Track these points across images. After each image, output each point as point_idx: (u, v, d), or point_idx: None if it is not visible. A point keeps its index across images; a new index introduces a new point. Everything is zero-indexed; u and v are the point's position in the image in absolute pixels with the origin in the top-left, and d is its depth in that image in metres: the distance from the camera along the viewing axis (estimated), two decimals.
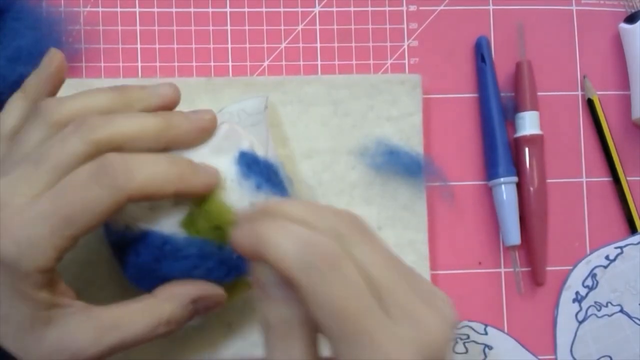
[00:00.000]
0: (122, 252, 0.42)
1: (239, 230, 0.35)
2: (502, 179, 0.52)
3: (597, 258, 0.54)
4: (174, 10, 0.52)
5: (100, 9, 0.51)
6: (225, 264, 0.41)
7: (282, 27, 0.53)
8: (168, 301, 0.41)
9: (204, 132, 0.41)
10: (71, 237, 0.37)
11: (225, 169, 0.41)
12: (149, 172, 0.38)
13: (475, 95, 0.54)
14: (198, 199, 0.40)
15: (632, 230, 0.54)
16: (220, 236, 0.40)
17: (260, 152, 0.43)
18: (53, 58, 0.44)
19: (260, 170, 0.42)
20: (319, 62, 0.53)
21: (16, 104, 0.43)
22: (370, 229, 0.36)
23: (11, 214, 0.37)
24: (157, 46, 0.52)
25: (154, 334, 0.40)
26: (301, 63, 0.53)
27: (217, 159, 0.41)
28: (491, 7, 0.55)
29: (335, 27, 0.53)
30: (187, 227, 0.40)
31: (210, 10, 0.52)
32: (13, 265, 0.36)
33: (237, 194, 0.41)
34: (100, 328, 0.39)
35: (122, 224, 0.41)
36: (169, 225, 0.40)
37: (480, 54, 0.54)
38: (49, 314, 0.38)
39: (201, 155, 0.41)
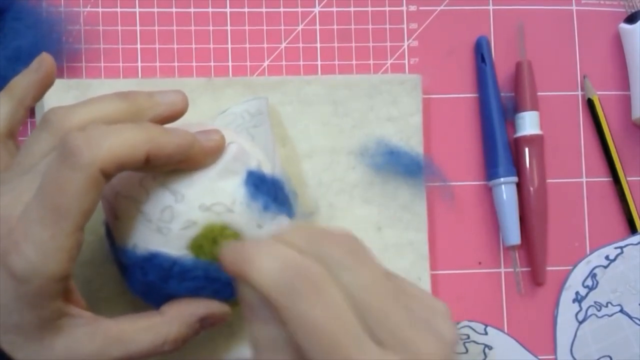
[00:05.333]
0: (128, 269, 0.42)
1: (227, 249, 0.35)
2: (502, 179, 0.52)
3: (597, 258, 0.54)
4: (174, 10, 0.52)
5: (100, 9, 0.51)
6: (231, 285, 0.41)
7: (282, 27, 0.53)
8: (175, 320, 0.40)
9: (213, 153, 0.40)
10: (72, 233, 0.36)
11: (233, 191, 0.40)
12: (114, 140, 0.36)
13: (475, 95, 0.54)
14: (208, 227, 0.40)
15: (632, 230, 0.54)
16: None
17: (266, 168, 0.43)
18: (43, 62, 0.44)
19: (268, 190, 0.42)
20: (319, 62, 0.53)
21: (3, 101, 0.43)
22: (365, 252, 0.35)
23: (14, 226, 0.36)
24: (157, 46, 0.52)
25: (159, 351, 0.40)
26: (301, 63, 0.53)
27: (226, 181, 0.40)
28: (491, 7, 0.55)
29: (335, 27, 0.53)
30: (195, 250, 0.40)
31: (210, 10, 0.52)
32: (28, 279, 0.36)
33: (245, 217, 0.40)
34: (107, 341, 0.39)
35: (130, 243, 0.41)
36: (177, 247, 0.40)
37: (480, 54, 0.54)
38: (57, 324, 0.38)
39: (209, 177, 0.40)
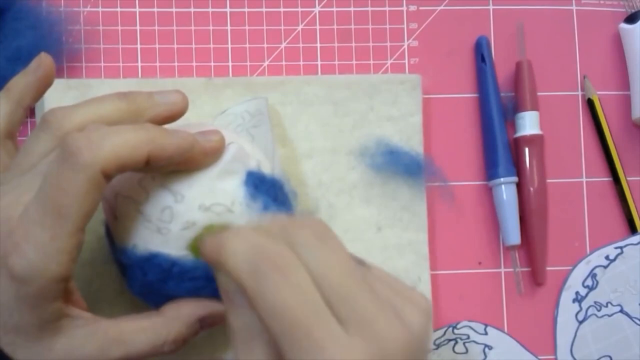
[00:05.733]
0: (128, 270, 0.42)
1: (205, 239, 0.36)
2: (502, 179, 0.52)
3: (597, 258, 0.54)
4: (174, 10, 0.52)
5: (100, 9, 0.51)
6: None
7: (282, 27, 0.53)
8: (175, 321, 0.41)
9: (213, 154, 0.40)
10: (73, 234, 0.36)
11: (233, 191, 0.41)
12: (115, 140, 0.36)
13: (475, 95, 0.54)
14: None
15: (632, 230, 0.54)
16: None
17: (266, 168, 0.43)
18: (42, 62, 0.44)
19: (267, 190, 0.42)
20: (319, 62, 0.53)
21: (1, 102, 0.43)
22: (331, 236, 0.35)
23: (14, 227, 0.36)
24: (157, 46, 0.52)
25: (159, 352, 0.40)
26: (301, 63, 0.53)
27: (225, 181, 0.41)
28: (491, 7, 0.55)
29: (335, 27, 0.53)
30: (195, 250, 0.40)
31: (210, 10, 0.52)
32: (28, 280, 0.36)
33: (244, 217, 0.41)
34: (107, 341, 0.39)
35: (130, 244, 0.41)
36: (177, 247, 0.40)
37: (480, 54, 0.54)
38: (58, 324, 0.38)
39: (209, 178, 0.40)
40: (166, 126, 0.40)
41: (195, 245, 0.40)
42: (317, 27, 0.53)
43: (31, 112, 0.50)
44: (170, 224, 0.40)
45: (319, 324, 0.32)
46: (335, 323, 0.33)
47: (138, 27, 0.52)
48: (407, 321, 0.34)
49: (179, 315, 0.41)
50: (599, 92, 0.55)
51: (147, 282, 0.41)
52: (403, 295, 0.36)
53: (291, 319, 0.32)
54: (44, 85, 0.44)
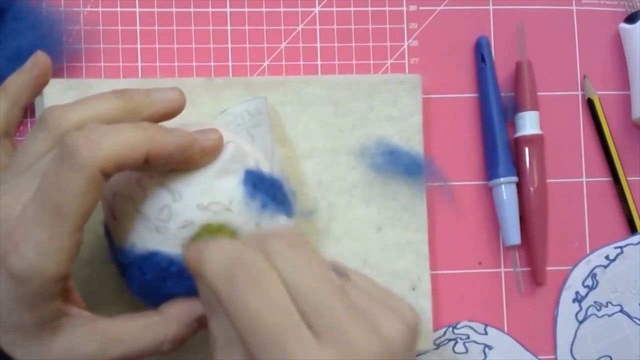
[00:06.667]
0: (127, 268, 0.42)
1: (189, 248, 0.37)
2: (502, 179, 0.52)
3: (597, 258, 0.54)
4: (174, 10, 0.52)
5: (100, 9, 0.51)
6: None
7: (282, 27, 0.53)
8: (174, 320, 0.41)
9: (211, 153, 0.40)
10: (71, 233, 0.36)
11: (231, 190, 0.41)
12: (114, 139, 0.36)
13: (475, 95, 0.54)
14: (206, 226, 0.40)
15: (632, 230, 0.54)
16: None
17: (265, 167, 0.43)
18: (38, 61, 0.44)
19: (266, 189, 0.42)
20: (319, 62, 0.53)
21: None
22: (306, 246, 0.36)
23: (13, 227, 0.36)
24: (157, 46, 0.52)
25: (158, 351, 0.40)
26: (301, 63, 0.53)
27: (224, 180, 0.41)
28: (491, 7, 0.55)
29: (335, 27, 0.53)
30: None
31: (210, 10, 0.52)
32: (27, 279, 0.36)
33: (243, 216, 0.41)
34: (106, 340, 0.39)
35: (128, 243, 0.41)
36: (175, 246, 0.40)
37: (480, 54, 0.54)
38: (57, 323, 0.38)
39: (207, 176, 0.40)
40: (165, 125, 0.40)
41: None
42: (317, 27, 0.53)
43: (31, 111, 0.50)
44: (169, 223, 0.40)
45: (289, 333, 0.33)
46: (307, 332, 0.33)
47: (138, 27, 0.52)
48: (384, 331, 0.34)
49: (177, 315, 0.41)
50: (599, 92, 0.55)
51: (145, 281, 0.41)
52: (385, 306, 0.36)
53: (261, 326, 0.33)
54: (41, 83, 0.44)
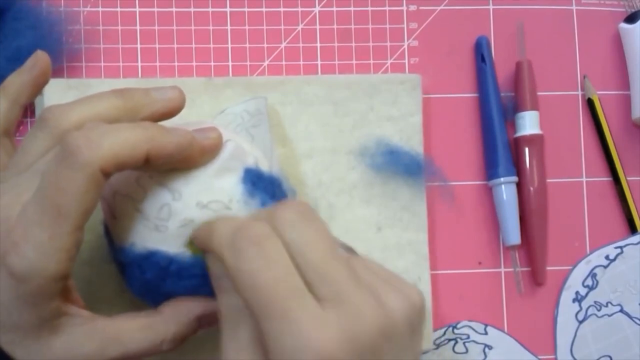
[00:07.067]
0: (126, 268, 0.42)
1: (198, 228, 0.38)
2: (502, 179, 0.52)
3: (597, 258, 0.54)
4: (174, 10, 0.52)
5: (100, 9, 0.51)
6: None
7: (282, 27, 0.53)
8: (173, 319, 0.41)
9: (210, 151, 0.40)
10: (71, 233, 0.36)
11: (230, 189, 0.41)
12: (114, 139, 0.36)
13: (475, 95, 0.54)
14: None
15: (632, 230, 0.54)
16: None
17: (264, 165, 0.43)
18: (38, 60, 0.44)
19: (265, 187, 0.42)
20: (319, 62, 0.53)
21: None
22: (316, 218, 0.36)
23: (13, 226, 0.36)
24: (157, 46, 0.52)
25: (157, 351, 0.40)
26: (301, 63, 0.53)
27: (223, 179, 0.40)
28: (491, 7, 0.55)
29: (335, 27, 0.53)
30: (193, 247, 0.40)
31: (210, 10, 0.52)
32: (27, 278, 0.36)
33: (242, 214, 0.40)
34: (105, 340, 0.39)
35: (128, 242, 0.41)
36: (175, 245, 0.40)
37: (480, 54, 0.54)
38: (56, 323, 0.38)
39: (207, 175, 0.40)
40: (163, 124, 0.40)
41: (194, 243, 0.40)
42: (317, 27, 0.53)
43: (31, 111, 0.50)
44: (168, 222, 0.40)
45: (293, 298, 0.33)
46: (311, 299, 0.33)
47: (138, 27, 0.52)
48: (388, 306, 0.34)
49: (177, 314, 0.41)
50: (599, 92, 0.55)
51: (145, 280, 0.41)
52: (389, 283, 0.36)
53: (265, 292, 0.33)
54: (41, 82, 0.44)
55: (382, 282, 0.36)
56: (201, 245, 0.38)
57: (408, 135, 0.52)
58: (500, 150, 0.53)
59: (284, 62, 0.53)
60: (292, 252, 0.34)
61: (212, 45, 0.52)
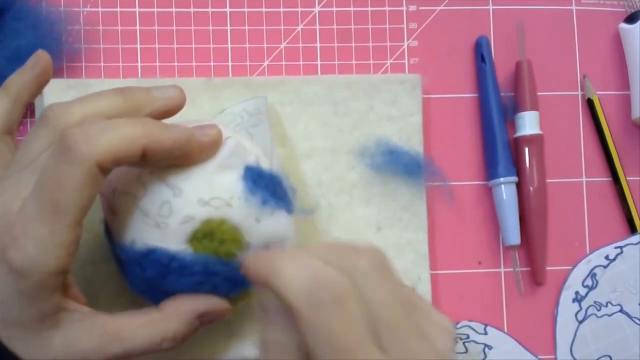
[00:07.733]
0: (127, 265, 0.42)
1: (253, 258, 0.36)
2: (502, 179, 0.52)
3: (597, 258, 0.54)
4: (174, 10, 0.52)
5: (100, 9, 0.52)
6: (230, 280, 0.41)
7: (282, 27, 0.53)
8: (174, 317, 0.40)
9: (210, 149, 0.40)
10: (70, 228, 0.36)
11: (231, 186, 0.41)
12: (112, 134, 0.36)
13: (475, 95, 0.54)
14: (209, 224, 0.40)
15: (632, 230, 0.54)
16: (226, 253, 0.40)
17: (265, 164, 0.43)
18: (39, 60, 0.44)
19: (266, 185, 0.42)
20: (319, 62, 0.53)
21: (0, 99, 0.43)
22: (389, 267, 0.36)
23: (14, 221, 0.36)
24: (157, 46, 0.52)
25: (158, 349, 0.40)
26: (301, 63, 0.53)
27: (224, 176, 0.41)
28: (491, 7, 0.55)
29: (335, 27, 0.53)
30: (194, 244, 0.40)
31: (210, 10, 0.53)
32: (27, 273, 0.36)
33: (243, 212, 0.41)
34: (105, 337, 0.39)
35: (128, 239, 0.41)
36: (176, 242, 0.40)
37: (480, 54, 0.54)
38: (56, 318, 0.38)
39: (207, 172, 0.40)
40: (164, 122, 0.40)
41: (195, 240, 0.40)
42: (317, 27, 0.53)
43: (32, 111, 0.50)
44: (169, 219, 0.40)
45: (362, 351, 0.33)
46: (377, 350, 0.34)
47: (138, 27, 0.52)
48: (439, 348, 0.35)
49: (178, 312, 0.41)
50: (599, 92, 0.55)
51: (146, 278, 0.41)
52: (431, 320, 0.37)
53: (340, 346, 0.33)
54: (42, 82, 0.44)
55: (429, 323, 0.36)
56: (254, 278, 0.36)
57: (408, 135, 0.52)
58: (500, 150, 0.53)
59: (284, 63, 0.53)
60: (368, 307, 0.34)
61: (212, 46, 0.52)
